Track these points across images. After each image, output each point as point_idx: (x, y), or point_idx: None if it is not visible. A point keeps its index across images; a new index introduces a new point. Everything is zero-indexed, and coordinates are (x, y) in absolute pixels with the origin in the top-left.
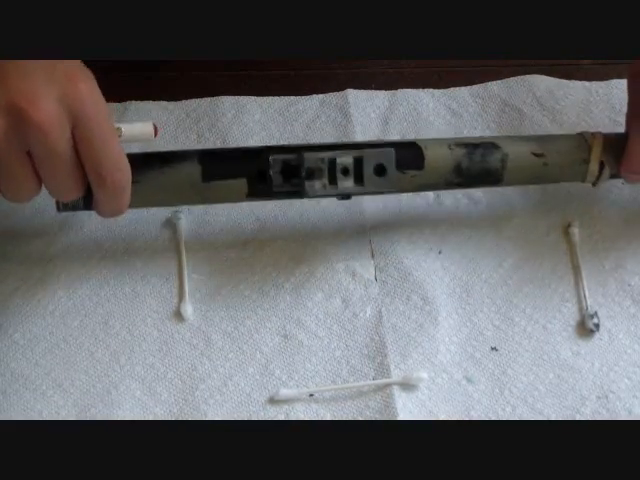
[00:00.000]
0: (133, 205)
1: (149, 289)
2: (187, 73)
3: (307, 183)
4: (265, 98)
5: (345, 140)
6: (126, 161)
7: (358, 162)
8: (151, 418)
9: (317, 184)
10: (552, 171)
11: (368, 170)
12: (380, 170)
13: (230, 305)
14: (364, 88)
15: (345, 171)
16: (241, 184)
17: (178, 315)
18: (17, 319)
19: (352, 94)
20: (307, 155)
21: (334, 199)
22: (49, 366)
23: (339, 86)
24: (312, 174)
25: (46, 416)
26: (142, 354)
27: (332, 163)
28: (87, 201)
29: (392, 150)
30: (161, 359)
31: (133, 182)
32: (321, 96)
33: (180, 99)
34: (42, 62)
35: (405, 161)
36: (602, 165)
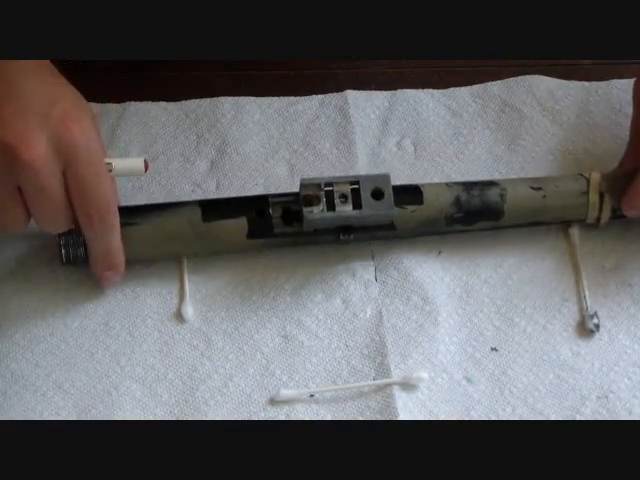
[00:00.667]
0: (134, 254)
1: (149, 290)
2: (187, 73)
3: (305, 210)
4: (265, 98)
5: (344, 140)
6: (115, 201)
7: (355, 188)
8: (151, 419)
9: (315, 210)
10: (552, 204)
11: (366, 194)
12: (377, 194)
13: (230, 306)
14: (364, 88)
15: (343, 197)
16: (241, 223)
17: (178, 316)
18: (17, 320)
19: (352, 95)
20: (305, 183)
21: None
22: (49, 367)
23: (339, 86)
24: (310, 202)
25: (46, 417)
26: (142, 355)
27: (330, 190)
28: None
29: (388, 175)
30: (161, 360)
31: (133, 224)
32: (321, 97)
33: (180, 99)
34: (39, 101)
35: (404, 197)
36: (602, 197)
